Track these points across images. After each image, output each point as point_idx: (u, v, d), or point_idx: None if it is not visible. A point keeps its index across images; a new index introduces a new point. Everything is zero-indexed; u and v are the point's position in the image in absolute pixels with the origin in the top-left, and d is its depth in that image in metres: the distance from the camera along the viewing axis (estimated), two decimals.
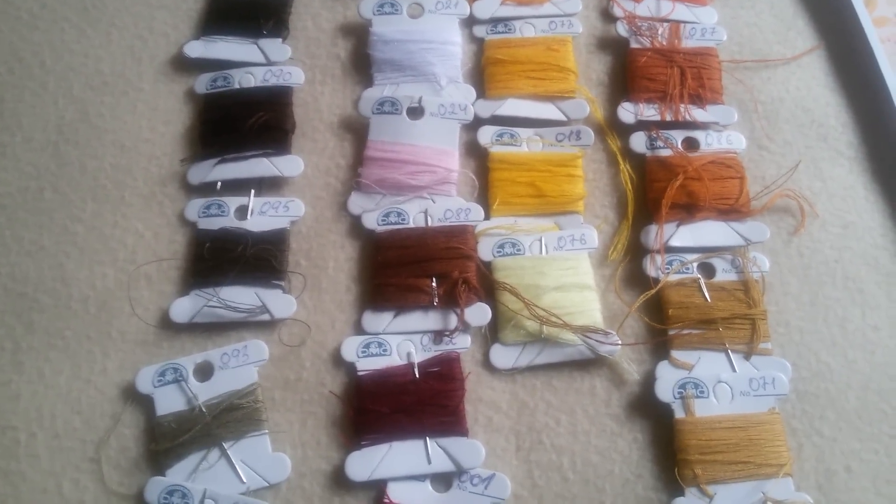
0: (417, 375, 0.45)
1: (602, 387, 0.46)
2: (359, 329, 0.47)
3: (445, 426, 0.44)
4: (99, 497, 0.43)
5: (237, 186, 0.51)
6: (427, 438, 0.44)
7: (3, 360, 0.46)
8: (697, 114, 0.53)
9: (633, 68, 0.55)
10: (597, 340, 0.46)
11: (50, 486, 0.43)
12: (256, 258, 0.48)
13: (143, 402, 0.45)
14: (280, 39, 0.56)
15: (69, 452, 0.44)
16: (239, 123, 0.52)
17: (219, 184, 0.51)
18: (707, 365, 0.46)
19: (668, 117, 0.53)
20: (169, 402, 0.44)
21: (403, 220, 0.50)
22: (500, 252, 0.49)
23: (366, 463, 0.43)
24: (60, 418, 0.45)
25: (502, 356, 0.47)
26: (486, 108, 0.54)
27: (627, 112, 0.54)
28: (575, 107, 0.54)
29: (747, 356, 0.46)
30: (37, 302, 0.48)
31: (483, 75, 0.55)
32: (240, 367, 0.45)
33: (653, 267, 0.49)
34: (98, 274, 0.49)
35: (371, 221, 0.50)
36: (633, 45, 0.56)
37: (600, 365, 0.47)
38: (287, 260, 0.49)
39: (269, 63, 0.55)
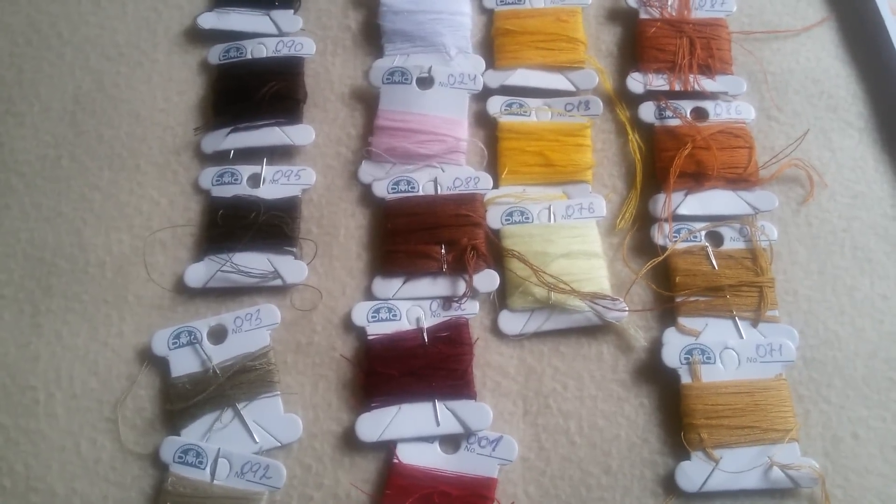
0: (426, 340, 0.46)
1: (609, 352, 0.47)
2: (369, 295, 0.48)
3: (454, 389, 0.44)
4: (115, 456, 0.44)
5: (250, 155, 0.52)
6: (436, 401, 0.44)
7: (23, 322, 0.47)
8: (706, 84, 0.53)
9: (642, 39, 0.55)
10: (604, 307, 0.46)
11: (68, 445, 0.44)
12: (269, 225, 0.49)
13: (159, 364, 0.46)
14: (292, 11, 0.56)
15: (87, 412, 0.45)
16: (251, 93, 0.52)
17: (232, 152, 0.52)
18: (714, 331, 0.46)
19: (678, 87, 0.53)
20: (184, 364, 0.45)
21: (413, 188, 0.50)
22: (508, 220, 0.49)
23: (376, 424, 0.44)
24: (78, 379, 0.46)
25: (510, 322, 0.47)
26: (496, 79, 0.54)
27: (636, 82, 0.54)
28: (584, 77, 0.54)
29: (754, 323, 0.46)
30: (55, 266, 0.49)
31: (493, 46, 0.56)
32: (252, 330, 0.46)
33: (660, 235, 0.49)
34: (114, 240, 0.50)
35: (381, 190, 0.50)
36: (643, 15, 0.56)
37: (607, 331, 0.47)
38: (299, 227, 0.50)
39: (281, 34, 0.55)
